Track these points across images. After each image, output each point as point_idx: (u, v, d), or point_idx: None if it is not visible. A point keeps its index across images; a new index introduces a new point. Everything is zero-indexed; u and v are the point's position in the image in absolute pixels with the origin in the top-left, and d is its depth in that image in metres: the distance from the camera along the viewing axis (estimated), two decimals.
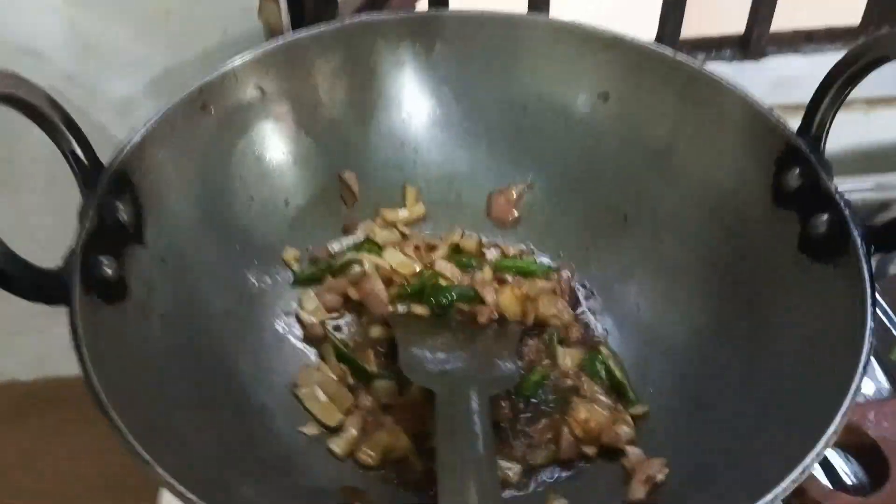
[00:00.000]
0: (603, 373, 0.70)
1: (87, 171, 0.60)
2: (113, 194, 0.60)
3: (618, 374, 0.70)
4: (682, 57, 0.73)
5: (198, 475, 0.49)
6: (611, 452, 0.64)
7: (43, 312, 0.54)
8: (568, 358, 0.71)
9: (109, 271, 0.57)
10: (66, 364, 0.49)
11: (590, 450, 0.65)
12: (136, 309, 0.59)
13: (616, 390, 0.69)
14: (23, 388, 1.10)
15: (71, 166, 0.60)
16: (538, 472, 0.64)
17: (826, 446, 0.47)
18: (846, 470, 0.69)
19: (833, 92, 0.61)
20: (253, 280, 0.72)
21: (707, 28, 1.14)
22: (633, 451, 0.61)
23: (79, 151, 0.60)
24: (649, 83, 0.74)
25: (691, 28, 1.10)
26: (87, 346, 0.50)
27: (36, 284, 0.53)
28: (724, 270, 0.68)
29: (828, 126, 0.64)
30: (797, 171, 0.64)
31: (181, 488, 0.45)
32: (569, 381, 0.69)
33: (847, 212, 0.59)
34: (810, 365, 0.56)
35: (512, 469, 0.63)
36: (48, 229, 0.77)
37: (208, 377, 0.62)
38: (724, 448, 0.58)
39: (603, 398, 0.68)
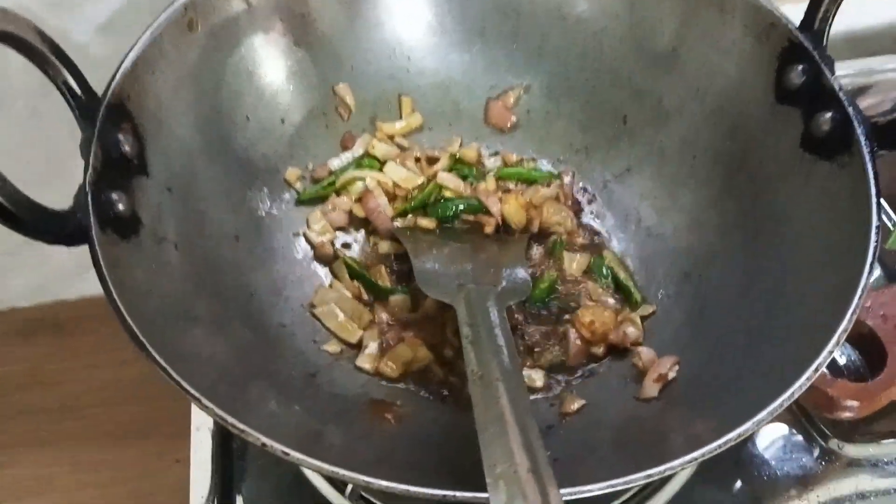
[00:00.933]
0: (608, 276, 0.72)
1: (83, 102, 0.58)
2: (112, 126, 0.58)
3: (622, 276, 0.72)
4: None
5: (223, 391, 0.51)
6: (621, 352, 0.67)
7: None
8: (574, 263, 0.73)
9: (121, 206, 0.57)
10: (64, 289, 0.50)
11: (598, 350, 0.68)
12: (150, 239, 0.59)
13: (621, 292, 0.72)
14: (23, 313, 1.10)
15: (66, 99, 0.58)
16: (556, 376, 0.67)
17: (837, 344, 0.49)
18: (845, 357, 0.74)
19: None
20: (259, 202, 0.72)
21: None
22: (644, 351, 0.64)
23: (72, 82, 0.58)
24: None
25: None
26: (113, 282, 0.50)
27: (52, 226, 0.52)
28: (727, 167, 0.69)
29: (830, 20, 0.64)
30: (800, 67, 0.64)
31: (209, 404, 0.47)
32: (575, 287, 0.71)
33: (851, 110, 0.60)
34: (816, 263, 0.58)
35: (533, 374, 0.66)
36: (34, 163, 0.75)
37: (225, 299, 0.63)
38: (733, 346, 0.60)
39: (609, 300, 0.71)
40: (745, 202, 0.67)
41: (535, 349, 0.68)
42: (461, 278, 0.66)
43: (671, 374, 0.60)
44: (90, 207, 0.54)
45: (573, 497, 0.45)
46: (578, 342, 0.67)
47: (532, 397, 0.65)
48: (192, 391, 0.48)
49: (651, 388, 0.60)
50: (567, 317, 0.70)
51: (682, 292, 0.69)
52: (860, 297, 0.51)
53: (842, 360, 0.73)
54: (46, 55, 0.56)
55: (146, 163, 0.61)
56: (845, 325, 0.50)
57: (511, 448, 0.45)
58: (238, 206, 0.70)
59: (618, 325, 0.68)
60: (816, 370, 0.48)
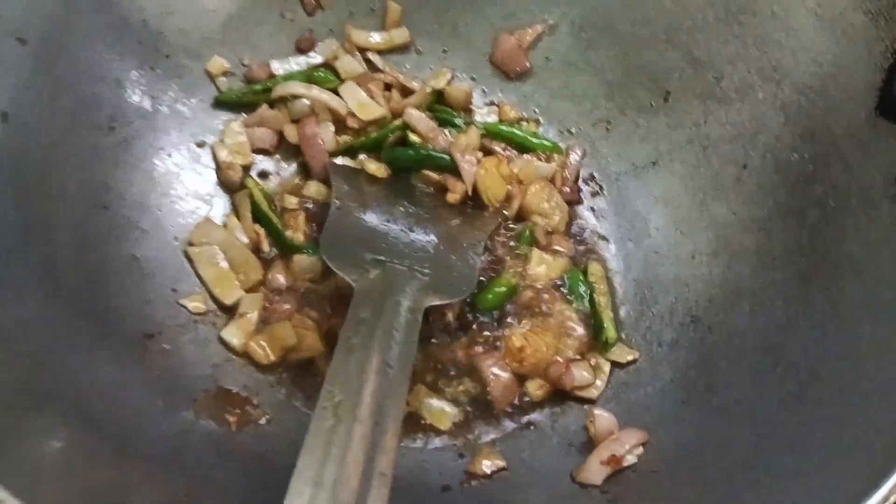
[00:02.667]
0: (585, 298, 0.53)
1: None
2: None
3: (601, 301, 0.53)
4: None
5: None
6: (571, 401, 0.49)
7: None
8: (544, 266, 0.54)
9: None
10: None
11: (536, 390, 0.49)
12: None
13: (593, 323, 0.53)
14: None
15: None
16: (474, 420, 0.48)
17: None
18: None
19: None
20: (158, 88, 0.54)
21: None
22: (600, 415, 0.45)
23: None
24: None
25: None
26: None
27: None
28: (789, 182, 0.50)
29: None
30: None
31: None
32: (540, 300, 0.53)
33: None
34: (886, 339, 0.39)
35: (446, 407, 0.48)
36: None
37: (52, 213, 0.45)
38: (738, 430, 0.42)
39: (578, 329, 0.52)
40: (803, 234, 0.48)
41: (451, 372, 0.50)
42: (380, 251, 0.48)
43: (628, 459, 0.42)
44: None
45: None
46: (499, 374, 0.49)
47: (434, 444, 0.47)
48: None
49: (595, 472, 0.42)
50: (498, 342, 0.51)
51: (680, 341, 0.50)
52: None
53: None
54: None
55: None
56: None
57: None
58: (123, 85, 0.52)
59: (565, 361, 0.49)
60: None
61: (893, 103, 0.46)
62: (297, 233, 0.54)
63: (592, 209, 0.58)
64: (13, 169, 0.44)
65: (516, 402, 0.49)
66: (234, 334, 0.49)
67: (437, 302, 0.46)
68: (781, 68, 0.52)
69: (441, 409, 0.47)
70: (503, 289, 0.52)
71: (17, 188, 0.44)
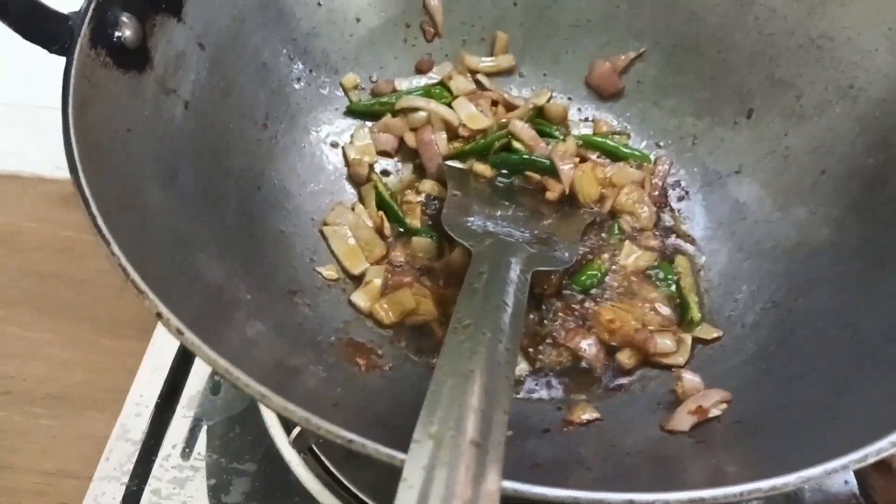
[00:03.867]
0: (671, 282, 0.58)
1: None
2: None
3: (686, 288, 0.58)
4: None
5: (191, 306, 0.41)
6: (661, 370, 0.53)
7: None
8: (632, 258, 0.60)
9: (129, 32, 0.49)
10: None
11: (627, 359, 0.54)
12: (156, 85, 0.51)
13: (680, 306, 0.58)
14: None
15: None
16: (563, 376, 0.54)
17: None
18: None
19: None
20: (303, 96, 0.64)
21: None
22: (688, 377, 0.50)
23: None
24: None
25: None
26: (75, 97, 0.42)
27: (39, 22, 0.46)
28: (863, 185, 0.54)
29: None
30: None
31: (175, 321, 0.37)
32: (628, 283, 0.58)
33: None
34: None
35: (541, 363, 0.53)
36: None
37: (226, 176, 0.54)
38: (811, 392, 0.46)
39: (664, 309, 0.57)
40: (876, 228, 0.52)
41: (548, 341, 0.55)
42: (494, 226, 0.55)
43: (714, 412, 0.46)
44: (88, 15, 0.46)
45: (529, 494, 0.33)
46: (595, 344, 0.54)
47: (535, 396, 0.52)
48: (163, 308, 0.37)
49: (683, 420, 0.46)
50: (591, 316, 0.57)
51: (761, 322, 0.54)
52: None
53: None
54: None
55: (181, 5, 0.54)
56: None
57: (462, 411, 0.33)
58: (277, 91, 0.62)
59: (646, 330, 0.54)
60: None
61: None
62: (414, 220, 0.61)
63: (679, 211, 0.64)
64: (190, 147, 0.53)
65: (608, 371, 0.54)
66: (361, 298, 0.56)
67: (543, 267, 0.52)
68: (857, 85, 0.57)
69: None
70: (595, 272, 0.58)
71: (194, 162, 0.53)
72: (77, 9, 0.47)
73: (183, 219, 0.48)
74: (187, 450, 0.62)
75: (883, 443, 0.35)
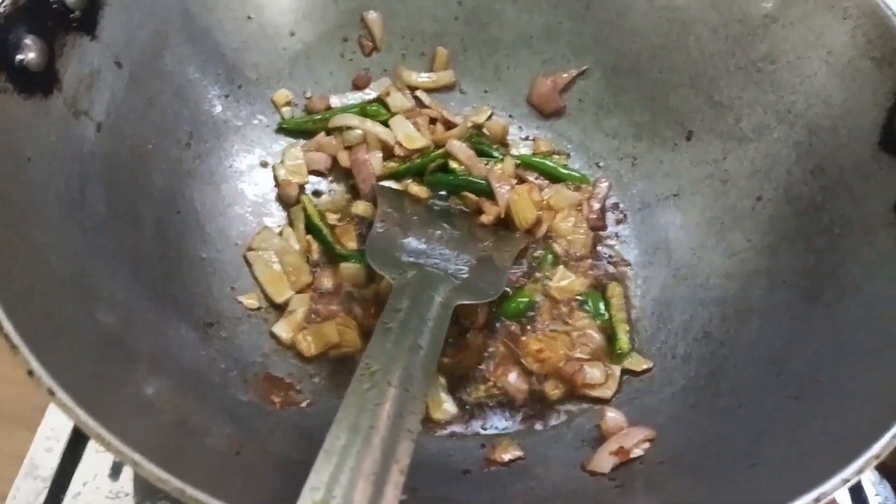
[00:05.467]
0: (602, 311, 0.57)
1: None
2: None
3: (617, 317, 0.57)
4: None
5: (80, 361, 0.39)
6: (586, 402, 0.52)
7: None
8: (566, 282, 0.58)
9: (33, 55, 0.47)
10: None
11: (553, 389, 0.53)
12: (64, 107, 0.49)
13: (610, 335, 0.56)
14: None
15: None
16: (488, 411, 0.53)
17: (866, 466, 0.34)
18: (878, 493, 0.56)
19: None
20: (231, 113, 0.61)
21: None
22: (611, 415, 0.49)
23: None
24: None
25: None
26: None
27: None
28: (799, 212, 0.53)
29: None
30: None
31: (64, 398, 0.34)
32: (558, 310, 0.57)
33: None
34: (877, 351, 0.42)
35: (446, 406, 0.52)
36: None
37: (139, 208, 0.52)
38: (740, 428, 0.45)
39: (595, 335, 0.56)
40: (810, 258, 0.51)
41: (474, 373, 0.54)
42: (419, 256, 0.53)
43: (636, 451, 0.45)
44: None
45: None
46: (516, 379, 0.53)
47: (457, 430, 0.51)
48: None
49: (604, 461, 0.45)
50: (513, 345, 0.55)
51: (692, 354, 0.54)
52: None
53: (875, 498, 0.56)
54: None
55: (95, 22, 0.52)
56: (881, 446, 0.34)
57: (353, 477, 0.32)
58: (202, 108, 0.59)
59: (579, 363, 0.53)
60: (834, 487, 0.33)
61: (892, 139, 0.50)
62: (350, 243, 0.59)
63: (616, 235, 0.62)
64: (104, 168, 0.51)
65: (533, 401, 0.52)
66: (283, 329, 0.54)
67: (466, 301, 0.50)
68: (795, 110, 0.56)
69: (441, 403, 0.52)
70: (525, 299, 0.57)
71: (107, 184, 0.50)
72: None
73: (88, 248, 0.46)
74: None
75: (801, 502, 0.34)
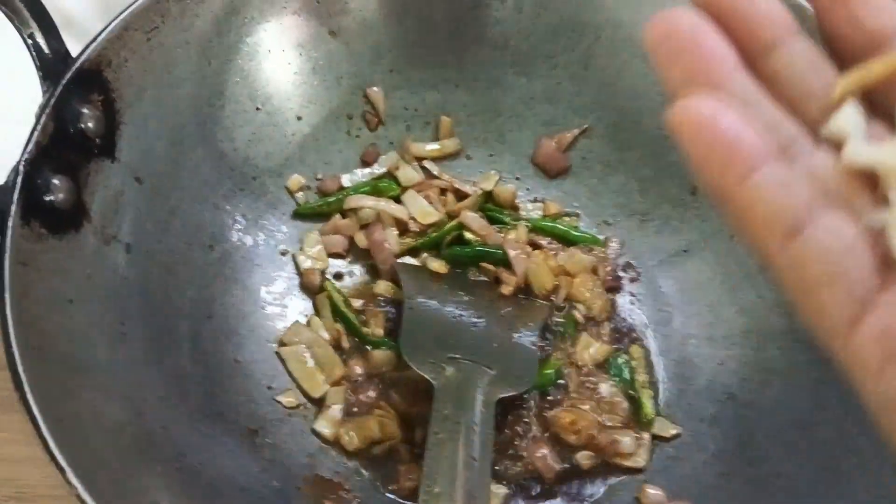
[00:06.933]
0: (627, 376, 0.59)
1: (50, 62, 0.49)
2: (77, 95, 0.50)
3: (640, 381, 0.59)
4: None
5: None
6: (617, 470, 0.55)
7: None
8: (590, 351, 0.60)
9: (61, 196, 0.48)
10: None
11: (586, 460, 0.55)
12: (95, 238, 0.50)
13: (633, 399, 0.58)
14: None
15: (32, 57, 0.49)
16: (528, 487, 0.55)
17: None
18: None
19: None
20: (248, 207, 0.62)
21: None
22: (652, 492, 0.51)
23: (40, 38, 0.49)
24: None
25: None
26: (13, 303, 0.41)
27: None
28: None
29: None
30: None
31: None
32: (585, 379, 0.59)
33: None
34: None
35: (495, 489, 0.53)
36: None
37: (175, 328, 0.53)
38: (775, 500, 0.48)
39: (624, 403, 0.58)
40: None
41: (508, 451, 0.55)
42: (454, 349, 0.55)
43: None
44: (16, 191, 0.44)
45: None
46: (543, 453, 0.55)
47: None
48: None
49: None
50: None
51: (720, 416, 0.56)
52: None
53: None
54: (14, 1, 0.47)
55: (114, 144, 0.52)
56: None
57: None
58: (221, 207, 0.60)
59: (613, 435, 0.55)
60: None
61: None
62: (377, 326, 0.61)
63: (632, 294, 0.64)
64: (139, 292, 0.52)
65: (568, 475, 0.54)
66: (324, 425, 0.55)
67: (505, 395, 0.52)
68: None
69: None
70: (551, 371, 0.58)
71: (144, 309, 0.51)
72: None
73: (136, 385, 0.47)
74: None
75: None
